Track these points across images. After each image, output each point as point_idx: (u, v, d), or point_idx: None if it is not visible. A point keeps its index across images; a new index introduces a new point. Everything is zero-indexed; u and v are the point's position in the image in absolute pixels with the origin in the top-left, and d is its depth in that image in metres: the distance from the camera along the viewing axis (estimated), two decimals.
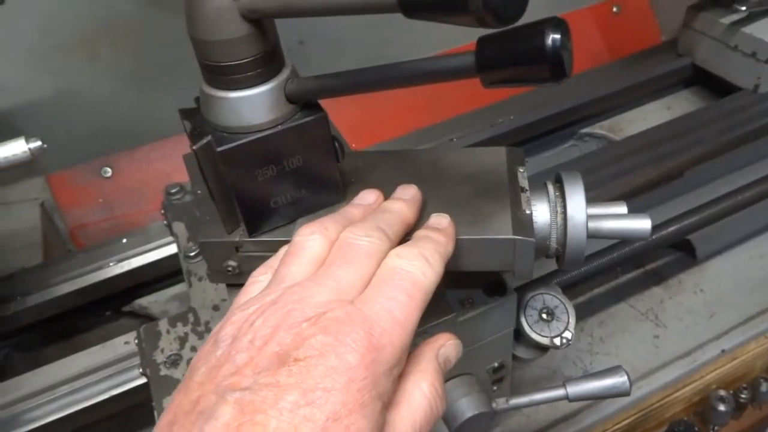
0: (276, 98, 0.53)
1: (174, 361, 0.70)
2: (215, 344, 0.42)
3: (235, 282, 0.64)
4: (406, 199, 0.56)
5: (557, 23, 0.41)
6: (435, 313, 0.69)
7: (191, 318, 0.75)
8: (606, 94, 1.11)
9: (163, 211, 0.93)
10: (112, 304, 0.94)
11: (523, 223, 0.57)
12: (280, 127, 0.53)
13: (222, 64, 0.50)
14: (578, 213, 0.58)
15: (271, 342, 0.39)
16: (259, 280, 0.50)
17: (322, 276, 0.44)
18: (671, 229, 0.92)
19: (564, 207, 0.59)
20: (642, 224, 0.58)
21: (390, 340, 0.40)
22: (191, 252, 0.82)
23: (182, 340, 0.72)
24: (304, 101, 0.54)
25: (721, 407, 1.10)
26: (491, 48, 0.42)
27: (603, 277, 1.28)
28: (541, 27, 0.40)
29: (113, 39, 1.05)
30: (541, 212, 0.60)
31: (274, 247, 0.60)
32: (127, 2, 1.04)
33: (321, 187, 0.60)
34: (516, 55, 0.41)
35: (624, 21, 1.50)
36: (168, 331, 0.73)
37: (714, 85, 1.23)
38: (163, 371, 0.69)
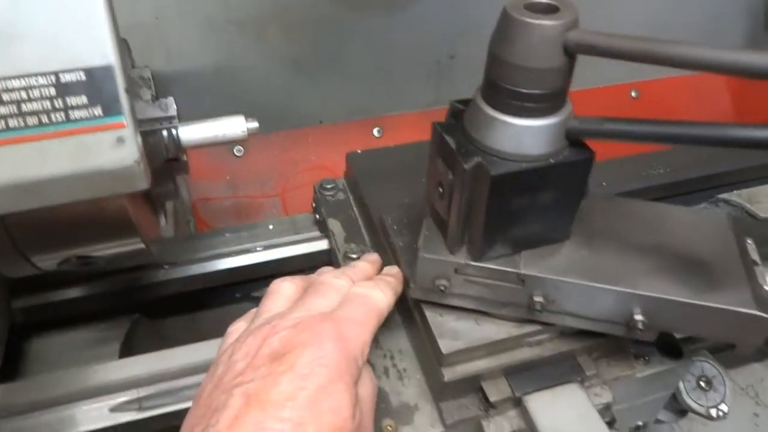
0: (557, 132, 0.51)
1: None
2: (215, 366, 0.52)
3: (436, 301, 0.63)
4: (371, 260, 0.70)
5: None
6: (617, 366, 0.68)
7: None
8: (750, 166, 1.10)
9: (314, 205, 0.92)
10: (245, 288, 0.93)
11: (765, 299, 0.56)
12: (551, 161, 0.52)
13: (524, 90, 0.49)
14: None
15: (263, 347, 0.49)
16: (236, 328, 0.59)
17: (296, 305, 0.56)
18: None
19: None
20: None
21: (355, 335, 0.52)
22: (353, 254, 0.80)
23: None
24: (580, 139, 0.53)
25: None
26: None
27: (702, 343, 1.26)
28: None
29: (285, 24, 1.05)
30: None
31: (494, 275, 0.59)
32: None
33: (557, 224, 0.59)
34: None
35: None
36: None
37: None
38: None
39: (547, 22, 0.46)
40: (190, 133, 0.64)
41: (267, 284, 0.85)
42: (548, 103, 0.50)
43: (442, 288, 0.60)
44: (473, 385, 0.63)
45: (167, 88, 1.06)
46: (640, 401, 0.74)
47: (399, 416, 0.64)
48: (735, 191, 1.15)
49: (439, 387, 0.63)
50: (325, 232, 0.87)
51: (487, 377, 0.63)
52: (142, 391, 0.69)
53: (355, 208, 0.88)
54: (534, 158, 0.52)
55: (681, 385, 0.78)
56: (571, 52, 0.47)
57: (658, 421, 0.84)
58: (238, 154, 1.15)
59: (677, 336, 0.70)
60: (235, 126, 0.65)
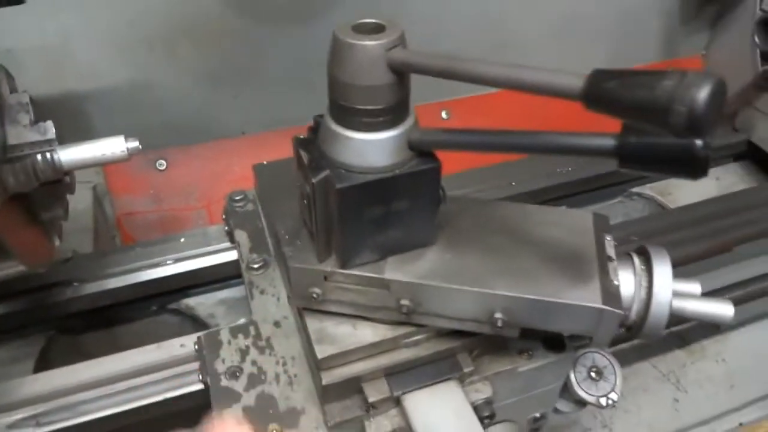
0: (399, 144, 0.54)
1: (234, 373, 0.71)
2: None
3: (314, 308, 0.65)
4: None
5: (706, 129, 0.42)
6: (498, 362, 0.71)
7: (252, 331, 0.75)
8: None
9: (224, 217, 0.93)
10: (160, 300, 0.95)
11: (612, 294, 0.59)
12: (398, 172, 0.55)
13: (359, 107, 0.51)
14: (664, 290, 0.60)
15: None
16: None
17: None
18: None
19: (649, 281, 0.61)
20: (725, 310, 0.60)
21: None
22: (255, 264, 0.83)
23: (243, 353, 0.73)
24: (424, 150, 0.56)
25: None
26: (637, 135, 0.44)
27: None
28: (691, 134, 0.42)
29: (195, 39, 1.06)
30: (626, 283, 0.62)
31: (361, 281, 0.62)
32: (216, 6, 1.05)
33: (418, 230, 0.61)
34: (661, 159, 0.43)
35: None
36: (229, 342, 0.74)
37: (765, 163, 1.26)
38: (224, 382, 0.70)
39: (368, 42, 0.48)
40: (71, 154, 0.66)
41: (177, 296, 0.87)
42: (386, 117, 0.52)
43: (315, 296, 0.63)
44: (355, 387, 0.66)
45: (80, 108, 1.08)
46: (530, 394, 0.77)
47: (285, 420, 0.66)
48: (648, 185, 1.20)
49: (320, 390, 0.65)
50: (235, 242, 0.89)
51: (367, 379, 0.65)
52: (40, 408, 0.71)
53: (263, 219, 0.90)
54: (380, 170, 0.54)
55: (572, 375, 0.81)
56: (396, 70, 0.49)
57: (558, 411, 0.87)
58: (160, 168, 1.16)
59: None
60: (115, 146, 0.67)
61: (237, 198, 0.92)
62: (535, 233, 0.65)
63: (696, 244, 0.92)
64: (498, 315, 0.60)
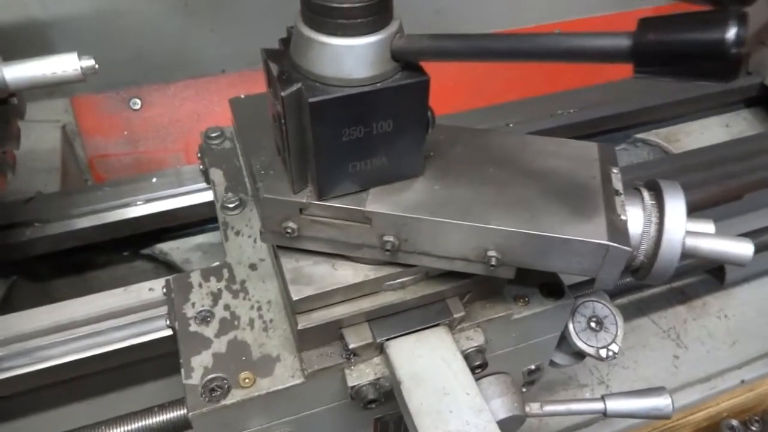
0: (381, 52, 0.47)
1: (205, 318, 0.65)
2: None
3: (288, 245, 0.59)
4: None
5: (741, 15, 0.36)
6: (492, 308, 0.65)
7: (226, 274, 0.70)
8: (666, 102, 1.06)
9: (199, 155, 0.87)
10: (132, 245, 0.89)
11: (619, 230, 0.53)
12: (379, 85, 0.48)
13: (333, 4, 0.44)
14: (677, 227, 0.54)
15: None
16: None
17: None
18: None
19: (660, 218, 0.55)
20: (744, 249, 0.54)
21: None
22: (230, 203, 0.76)
23: (215, 297, 0.67)
24: (409, 61, 0.49)
25: None
26: (656, 32, 0.37)
27: (628, 289, 1.25)
28: (722, 17, 0.35)
29: None
30: (634, 220, 0.55)
31: (340, 215, 0.56)
32: None
33: (403, 157, 0.55)
34: (686, 46, 0.36)
35: None
36: (200, 285, 0.68)
37: None
38: (193, 327, 0.64)
39: None
40: (16, 72, 0.58)
41: (150, 241, 0.81)
42: (365, 17, 0.45)
43: (290, 231, 0.57)
44: (334, 332, 0.60)
45: (44, 37, 0.99)
46: (526, 344, 0.72)
47: (259, 368, 0.61)
48: (653, 130, 1.13)
49: (296, 336, 0.60)
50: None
51: (347, 324, 0.60)
52: None
53: (240, 156, 0.83)
54: (359, 82, 0.47)
55: (570, 325, 0.76)
56: None
57: (554, 365, 0.82)
58: (134, 107, 1.09)
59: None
60: (67, 64, 0.60)
61: (213, 135, 0.86)
62: (534, 163, 0.59)
63: (704, 189, 0.86)
64: (491, 252, 0.54)
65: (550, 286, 0.69)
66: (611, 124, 1.05)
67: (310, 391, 0.62)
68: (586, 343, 0.76)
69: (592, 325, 0.76)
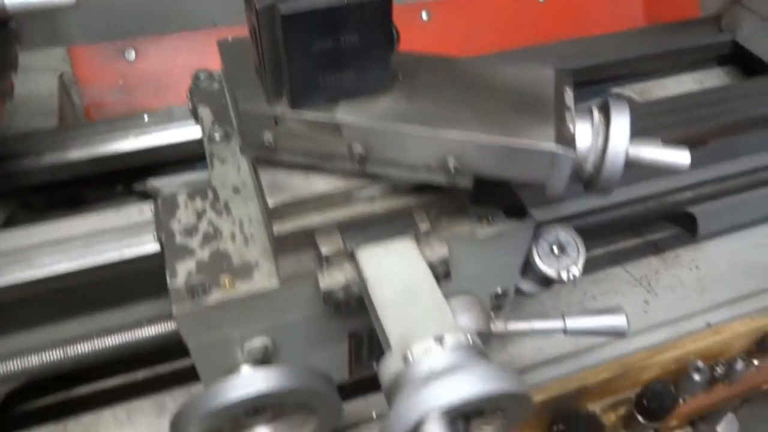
0: None
1: (190, 232, 0.70)
2: None
3: (267, 158, 0.64)
4: None
5: None
6: (457, 225, 0.70)
7: (210, 195, 0.74)
8: (642, 55, 1.11)
9: (189, 96, 0.91)
10: (125, 181, 0.94)
11: (566, 137, 0.58)
12: (345, 1, 0.53)
13: None
14: (621, 137, 0.59)
15: None
16: None
17: None
18: (689, 194, 0.92)
19: (606, 132, 0.60)
20: (681, 157, 0.59)
21: None
22: (216, 135, 0.81)
23: (200, 214, 0.72)
24: None
25: (696, 377, 1.14)
26: None
27: (603, 240, 1.30)
28: None
29: None
30: (583, 133, 0.60)
31: (312, 125, 0.60)
32: None
33: (370, 71, 0.59)
34: None
35: None
36: (186, 204, 0.73)
37: (750, 67, 1.23)
38: (179, 239, 0.69)
39: None
40: None
41: (142, 177, 0.86)
42: None
43: (267, 143, 0.61)
44: (308, 240, 0.65)
45: None
46: (491, 265, 0.77)
47: (238, 273, 0.66)
48: (628, 85, 1.17)
49: (273, 242, 0.65)
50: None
51: (320, 231, 0.65)
52: None
53: (228, 97, 0.88)
54: None
55: (534, 250, 0.80)
56: None
57: (521, 293, 0.87)
58: (129, 58, 1.13)
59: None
60: None
61: (202, 77, 0.90)
62: (494, 83, 0.63)
63: (669, 131, 0.90)
64: (450, 160, 0.59)
65: (513, 209, 0.74)
66: (584, 76, 1.10)
67: (286, 296, 0.67)
68: (548, 266, 0.81)
69: (555, 250, 0.81)
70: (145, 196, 0.96)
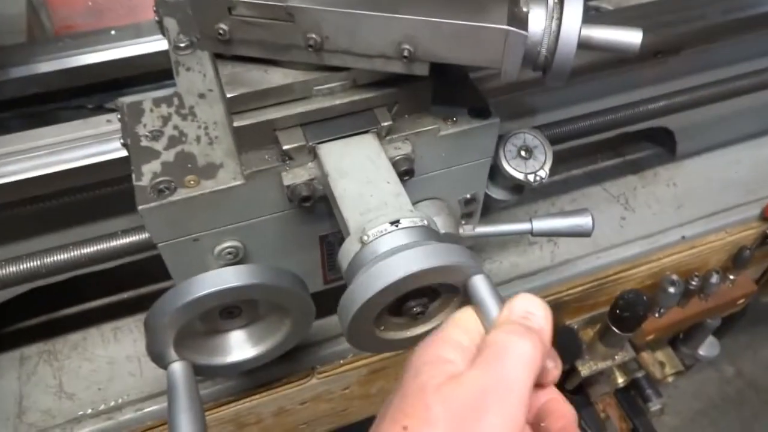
0: None
1: (155, 136, 0.71)
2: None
3: (224, 51, 0.64)
4: None
5: None
6: (420, 123, 0.70)
7: (176, 101, 0.75)
8: None
9: (155, 8, 0.90)
10: (95, 98, 0.94)
11: (519, 17, 0.57)
12: None
13: None
14: (573, 19, 0.58)
15: None
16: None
17: None
18: (661, 103, 0.92)
19: (560, 16, 0.59)
20: (632, 37, 0.59)
21: None
22: (181, 43, 0.81)
23: (165, 119, 0.72)
24: None
25: (671, 290, 1.16)
26: None
27: (582, 160, 1.31)
28: None
29: None
30: (537, 16, 0.60)
31: (266, 13, 0.60)
32: None
33: None
34: None
35: None
36: (152, 110, 0.73)
37: None
38: (144, 143, 0.70)
39: None
40: None
41: (117, 94, 0.85)
42: None
43: (221, 33, 0.61)
44: (269, 135, 0.65)
45: None
46: (458, 167, 0.77)
47: (203, 172, 0.67)
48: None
49: (235, 138, 0.65)
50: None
51: (281, 126, 0.65)
52: None
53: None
54: None
55: (501, 153, 0.81)
56: None
57: (492, 201, 0.88)
58: None
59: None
60: None
61: None
62: None
63: (645, 37, 0.89)
64: (405, 45, 0.59)
65: (477, 109, 0.74)
66: None
67: (251, 193, 0.68)
68: (515, 169, 0.82)
69: (522, 153, 0.82)
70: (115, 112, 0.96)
